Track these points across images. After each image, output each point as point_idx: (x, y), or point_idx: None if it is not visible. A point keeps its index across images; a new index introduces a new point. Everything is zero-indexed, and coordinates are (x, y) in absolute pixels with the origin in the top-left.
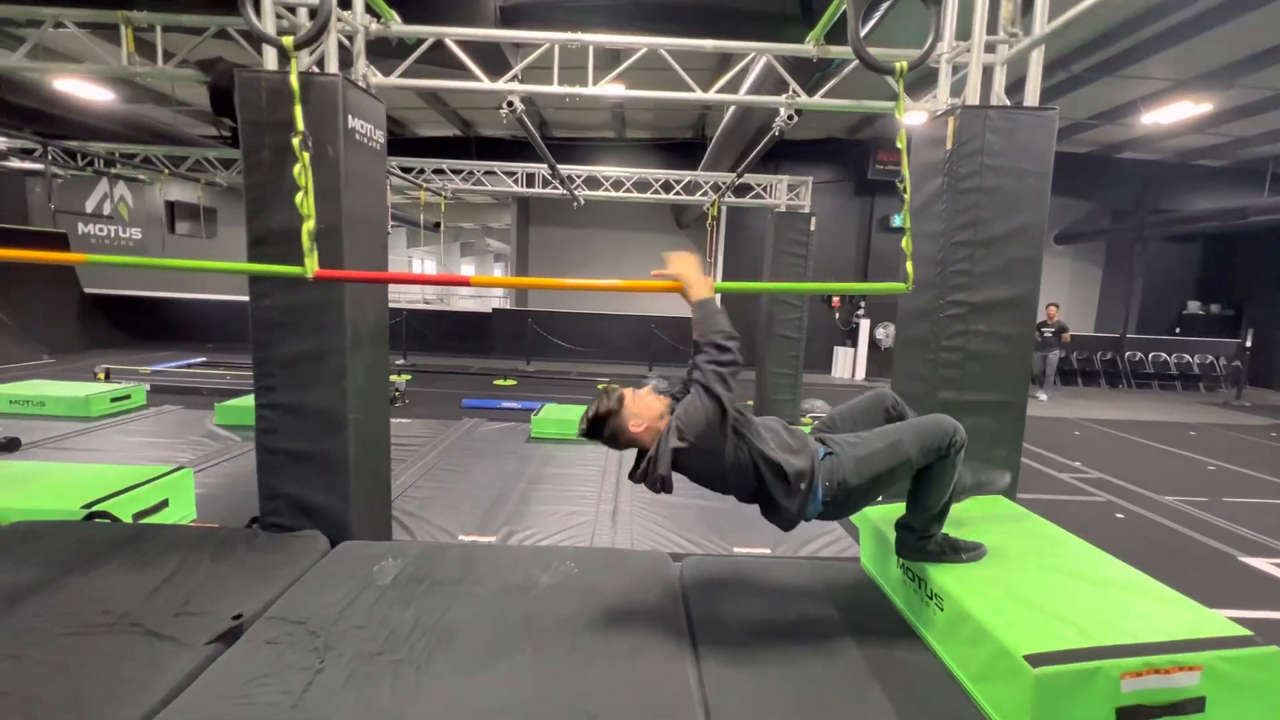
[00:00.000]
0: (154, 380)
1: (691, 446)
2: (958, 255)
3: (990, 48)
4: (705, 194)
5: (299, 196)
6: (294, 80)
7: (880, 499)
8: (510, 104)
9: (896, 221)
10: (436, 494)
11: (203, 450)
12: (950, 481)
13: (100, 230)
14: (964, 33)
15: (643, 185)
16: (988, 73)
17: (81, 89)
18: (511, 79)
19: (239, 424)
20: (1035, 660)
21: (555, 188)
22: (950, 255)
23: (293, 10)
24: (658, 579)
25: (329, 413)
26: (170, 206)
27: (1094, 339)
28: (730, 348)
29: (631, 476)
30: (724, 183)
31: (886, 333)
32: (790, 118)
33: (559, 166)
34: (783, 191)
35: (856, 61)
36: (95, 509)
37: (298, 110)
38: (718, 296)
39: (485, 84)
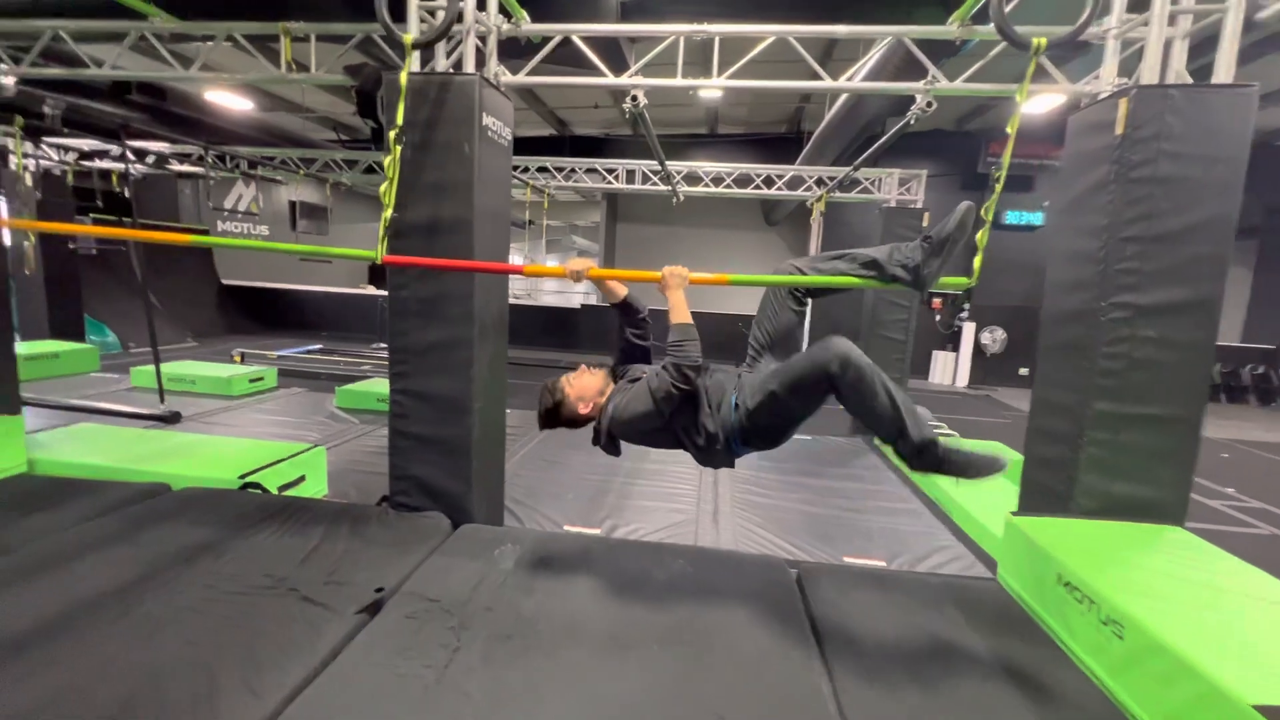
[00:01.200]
0: (280, 364)
1: (621, 428)
2: (1125, 252)
3: (1170, 19)
4: (809, 189)
5: (383, 187)
6: (403, 77)
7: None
8: (634, 98)
9: (1010, 219)
10: (539, 483)
11: (327, 430)
12: (873, 404)
13: (236, 228)
14: (1135, 5)
15: (739, 181)
16: (1167, 48)
17: (227, 99)
18: (635, 73)
19: (356, 407)
20: (1272, 714)
21: (655, 184)
22: (1116, 252)
23: (433, 14)
24: (775, 584)
25: (456, 400)
26: (293, 206)
27: (1242, 350)
28: (691, 378)
29: (594, 443)
30: (829, 177)
31: (993, 337)
32: (929, 104)
33: (641, 164)
34: (893, 186)
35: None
36: (249, 480)
37: (400, 106)
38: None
39: (609, 79)
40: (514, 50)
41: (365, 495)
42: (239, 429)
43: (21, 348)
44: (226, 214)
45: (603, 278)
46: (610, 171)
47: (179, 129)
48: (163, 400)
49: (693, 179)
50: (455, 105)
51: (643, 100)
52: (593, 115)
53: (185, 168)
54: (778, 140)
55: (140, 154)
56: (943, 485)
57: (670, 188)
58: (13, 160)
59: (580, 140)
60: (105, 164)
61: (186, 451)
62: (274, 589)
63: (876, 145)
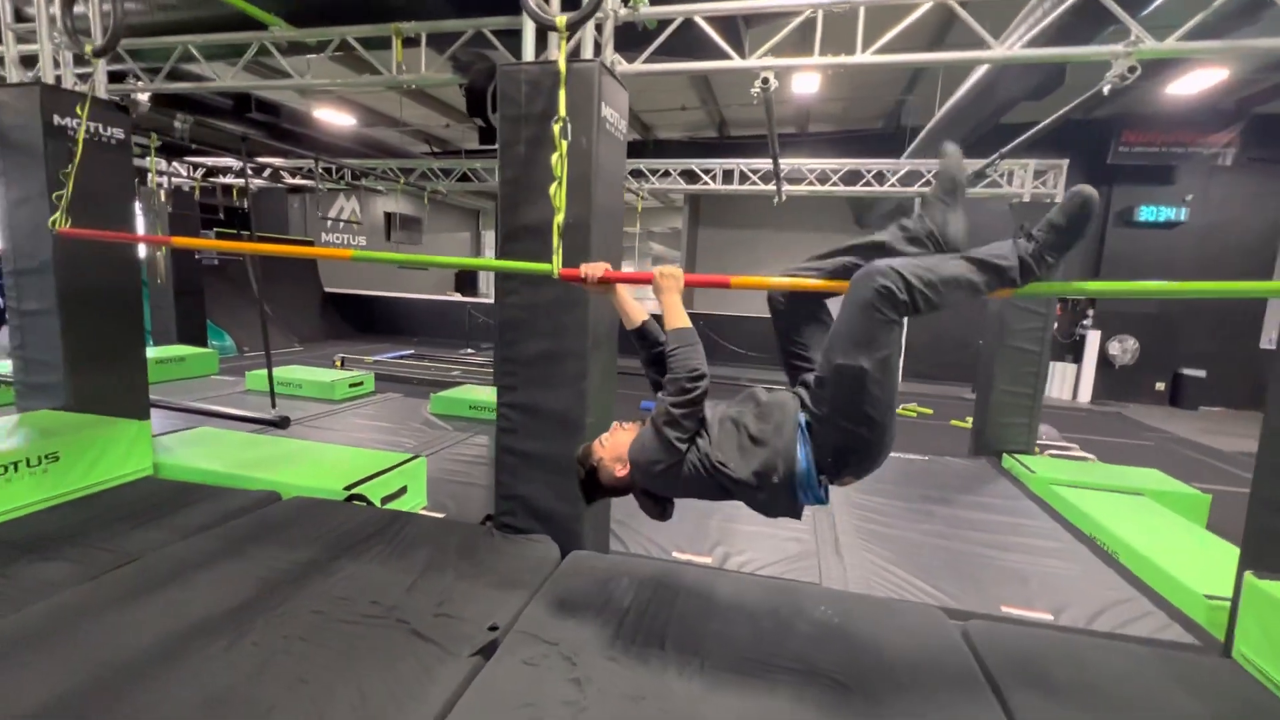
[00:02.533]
0: (376, 369)
1: (646, 478)
2: None
3: None
4: (927, 184)
5: (553, 188)
6: (561, 63)
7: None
8: (765, 81)
9: (1144, 215)
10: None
11: (422, 437)
12: (954, 287)
13: (338, 238)
14: None
15: (847, 178)
16: None
17: (332, 115)
18: (765, 53)
19: (450, 413)
20: None
21: (754, 184)
22: None
23: (548, 0)
24: (940, 643)
25: (567, 415)
26: (388, 217)
27: None
28: (692, 389)
29: (642, 508)
30: None
31: (1123, 347)
32: (1131, 70)
33: (740, 163)
34: (1026, 178)
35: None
36: (354, 492)
37: (562, 94)
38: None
39: (737, 62)
40: (624, 40)
41: (462, 508)
42: (341, 433)
43: (151, 352)
44: (330, 225)
45: (613, 282)
46: (707, 172)
47: (291, 144)
48: (274, 406)
49: (794, 178)
50: (573, 95)
51: (774, 83)
52: (678, 118)
53: (297, 181)
54: (874, 137)
55: (258, 169)
56: (1101, 521)
57: (774, 187)
58: (149, 177)
59: (663, 144)
60: (228, 179)
61: (295, 459)
62: (383, 619)
63: (1033, 131)
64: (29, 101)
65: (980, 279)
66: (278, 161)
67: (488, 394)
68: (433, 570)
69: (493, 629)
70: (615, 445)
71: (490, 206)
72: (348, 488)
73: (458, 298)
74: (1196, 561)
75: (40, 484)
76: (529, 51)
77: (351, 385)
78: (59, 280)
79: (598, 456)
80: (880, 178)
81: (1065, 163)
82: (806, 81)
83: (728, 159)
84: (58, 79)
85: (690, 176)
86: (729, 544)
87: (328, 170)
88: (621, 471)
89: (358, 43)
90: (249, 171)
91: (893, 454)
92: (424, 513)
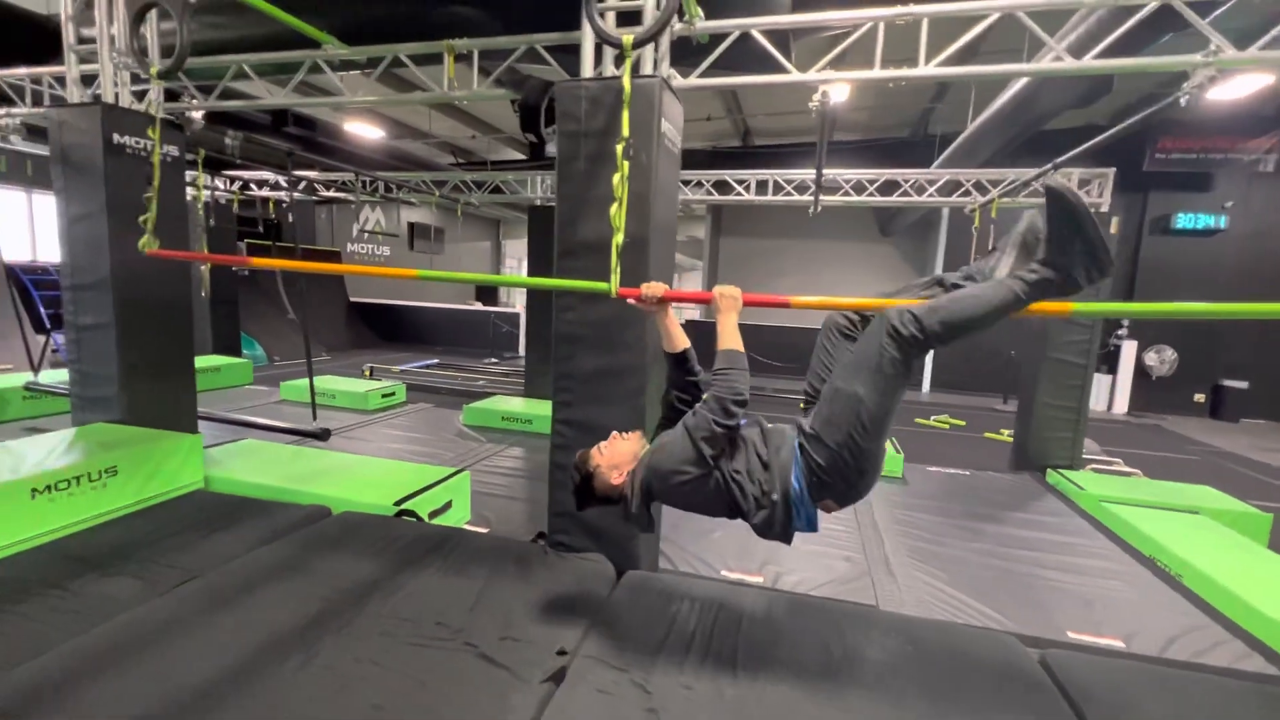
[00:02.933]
0: (403, 378)
1: (661, 484)
2: None
3: None
4: (966, 193)
5: (614, 208)
6: (626, 82)
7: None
8: (824, 94)
9: (1181, 223)
10: (682, 517)
11: (458, 450)
12: (972, 322)
13: (362, 249)
14: None
15: (882, 189)
16: None
17: (362, 129)
18: (823, 67)
19: (483, 425)
20: None
21: (789, 193)
22: None
23: (602, 15)
24: (1020, 673)
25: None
26: (411, 227)
27: None
28: (735, 413)
29: (623, 517)
30: (990, 180)
31: (1161, 358)
32: (1210, 79)
33: (773, 173)
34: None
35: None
36: (403, 508)
37: (625, 114)
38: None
39: (795, 75)
40: (674, 54)
41: (505, 523)
42: (377, 445)
43: None
44: (356, 235)
45: (669, 302)
46: (740, 183)
47: (324, 157)
48: (315, 418)
49: (827, 187)
50: (634, 112)
51: (831, 98)
52: (703, 129)
53: (331, 193)
54: (900, 145)
55: (295, 182)
56: (1160, 541)
57: (809, 197)
58: (193, 191)
59: (688, 154)
60: (265, 193)
61: (341, 473)
62: (449, 641)
63: (1102, 138)
64: (90, 121)
65: (1005, 303)
66: (315, 175)
67: (519, 405)
68: (492, 589)
69: (561, 653)
70: (614, 454)
71: (511, 216)
72: (397, 503)
73: (479, 307)
74: (1268, 585)
75: (100, 498)
76: (587, 68)
77: (384, 396)
78: (116, 295)
79: (595, 463)
80: (919, 188)
81: (1112, 171)
82: (836, 91)
83: (760, 169)
84: (115, 98)
85: (721, 187)
86: (777, 563)
87: (362, 182)
88: (618, 480)
89: (409, 59)
90: (290, 185)
91: (932, 467)
92: (469, 528)
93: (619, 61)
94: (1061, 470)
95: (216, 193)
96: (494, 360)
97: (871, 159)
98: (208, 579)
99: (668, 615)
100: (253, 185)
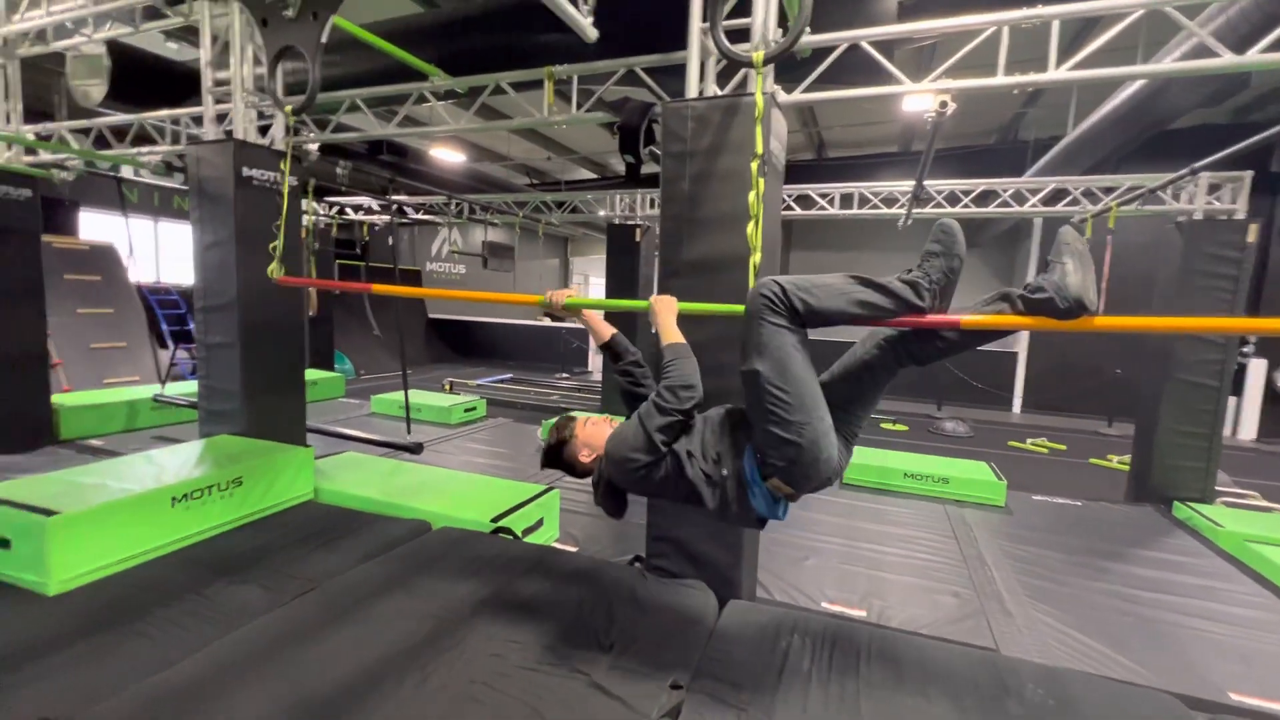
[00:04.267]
0: (480, 393)
1: (618, 470)
2: None
3: None
4: (1074, 202)
5: (750, 227)
6: (759, 98)
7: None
8: (944, 104)
9: None
10: (770, 543)
11: (538, 465)
12: (854, 303)
13: (439, 268)
14: None
15: (979, 199)
16: None
17: (446, 154)
18: (939, 75)
19: None
20: None
21: (876, 206)
22: None
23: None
24: None
25: None
26: (485, 246)
27: None
28: (686, 399)
29: (595, 501)
30: (1101, 188)
31: None
32: None
33: (858, 186)
34: (1199, 194)
35: None
36: (499, 525)
37: (759, 131)
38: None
39: (909, 85)
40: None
41: (593, 542)
42: (462, 458)
43: None
44: (433, 255)
45: (581, 309)
46: (824, 196)
47: (413, 180)
48: (409, 432)
49: (864, 199)
50: (739, 129)
51: (951, 107)
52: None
53: (420, 215)
54: (987, 153)
55: (385, 206)
56: None
57: (901, 210)
58: (305, 218)
59: None
60: (361, 216)
61: (438, 488)
62: (559, 666)
63: (1252, 140)
64: (224, 156)
65: (882, 300)
66: (408, 199)
67: None
68: (595, 614)
69: (675, 687)
70: (592, 433)
71: (579, 234)
72: (494, 520)
73: (548, 323)
74: None
75: (227, 507)
76: (692, 87)
77: (466, 410)
78: (241, 316)
79: (573, 433)
80: (1019, 197)
81: (1248, 175)
82: (918, 98)
83: (833, 182)
84: (244, 134)
85: (802, 201)
86: (880, 595)
87: (446, 204)
88: (587, 458)
89: (510, 86)
90: (388, 209)
91: (1036, 496)
92: (559, 545)
93: (722, 80)
94: (1191, 504)
95: (317, 217)
96: (564, 375)
97: (956, 168)
98: (324, 589)
99: (779, 650)
100: (348, 210)
